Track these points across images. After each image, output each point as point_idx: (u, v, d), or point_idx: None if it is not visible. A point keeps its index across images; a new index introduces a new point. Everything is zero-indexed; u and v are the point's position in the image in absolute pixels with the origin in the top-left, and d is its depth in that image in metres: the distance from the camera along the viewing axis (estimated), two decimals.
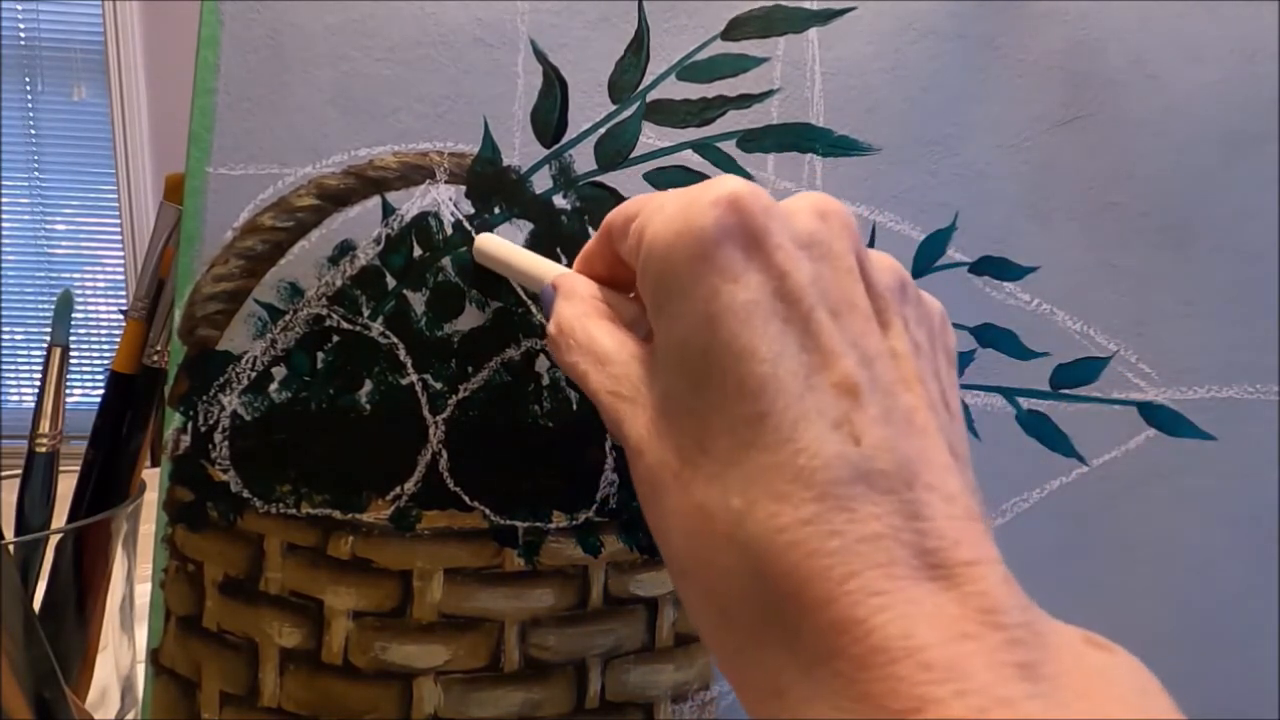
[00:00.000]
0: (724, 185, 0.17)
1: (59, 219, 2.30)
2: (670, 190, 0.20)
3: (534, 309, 0.27)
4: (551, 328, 0.21)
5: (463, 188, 0.27)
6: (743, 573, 0.15)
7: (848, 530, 0.14)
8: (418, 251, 0.27)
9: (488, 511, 0.27)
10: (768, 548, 0.15)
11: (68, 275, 2.32)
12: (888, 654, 0.13)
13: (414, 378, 0.27)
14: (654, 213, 0.18)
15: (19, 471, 0.32)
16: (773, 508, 0.15)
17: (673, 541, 0.17)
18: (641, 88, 0.28)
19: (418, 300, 0.27)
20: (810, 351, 0.16)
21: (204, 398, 0.27)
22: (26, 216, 2.28)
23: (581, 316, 0.20)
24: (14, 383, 2.36)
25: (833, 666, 0.14)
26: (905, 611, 0.14)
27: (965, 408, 0.29)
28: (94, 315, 2.34)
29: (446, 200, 0.27)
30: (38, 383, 0.32)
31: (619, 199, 0.28)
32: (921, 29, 0.29)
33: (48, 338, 0.32)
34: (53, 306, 0.32)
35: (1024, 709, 0.13)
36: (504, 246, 0.26)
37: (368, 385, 0.27)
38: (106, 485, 0.31)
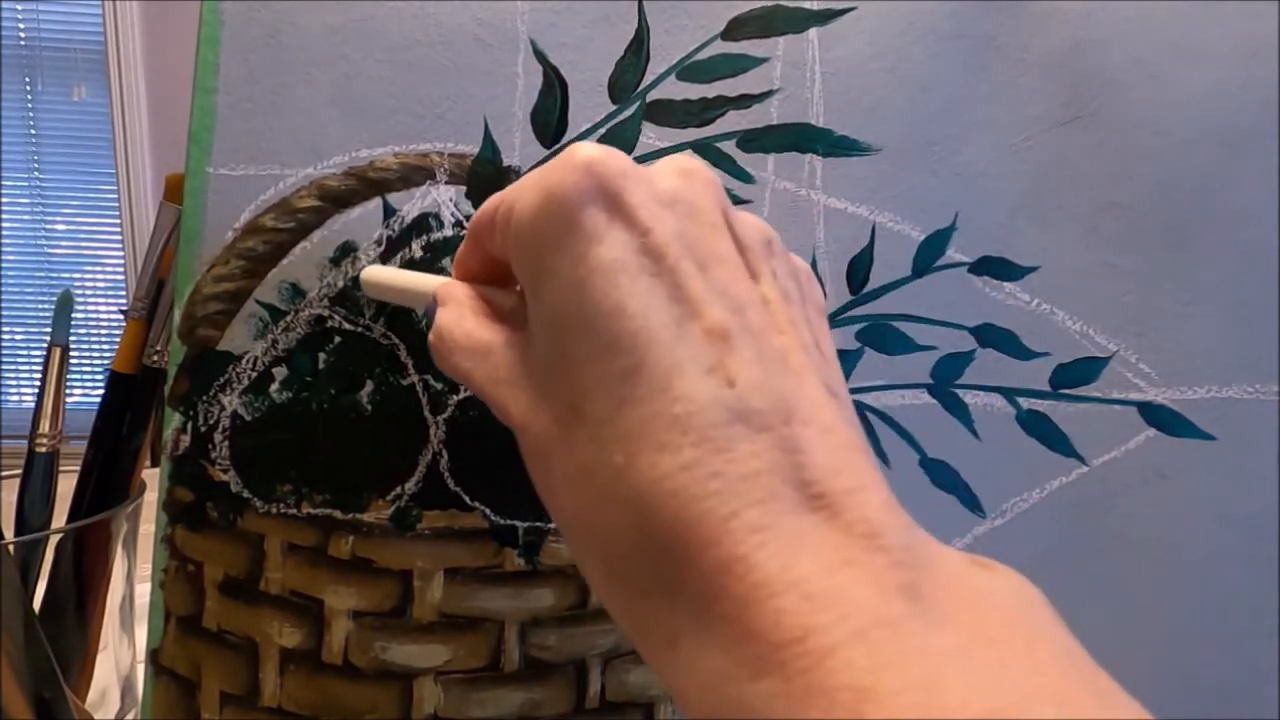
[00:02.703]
0: (579, 151, 0.17)
1: (59, 219, 2.30)
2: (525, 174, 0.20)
3: None
4: (431, 336, 0.21)
5: (463, 188, 0.27)
6: (628, 526, 0.15)
7: (727, 470, 0.14)
8: (419, 253, 0.27)
9: (488, 511, 0.27)
10: (650, 498, 0.15)
11: (68, 275, 2.32)
12: (769, 588, 0.14)
13: (415, 378, 0.27)
14: (515, 195, 0.18)
15: (19, 471, 0.32)
16: (652, 458, 0.15)
17: (562, 506, 0.17)
18: (641, 88, 0.28)
19: None
20: (679, 302, 0.16)
21: (204, 398, 0.27)
22: (26, 216, 2.28)
23: (458, 319, 0.20)
24: (14, 383, 2.36)
25: (719, 609, 0.14)
26: (786, 545, 0.14)
27: (965, 407, 0.29)
28: (94, 315, 2.33)
29: (447, 201, 0.27)
30: (38, 383, 0.32)
31: None
32: (922, 29, 0.29)
33: (48, 338, 0.32)
34: (53, 306, 0.32)
35: (906, 627, 0.13)
36: (389, 273, 0.25)
37: (369, 386, 0.27)
38: (106, 485, 0.31)
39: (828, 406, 0.16)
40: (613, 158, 0.17)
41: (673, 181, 0.18)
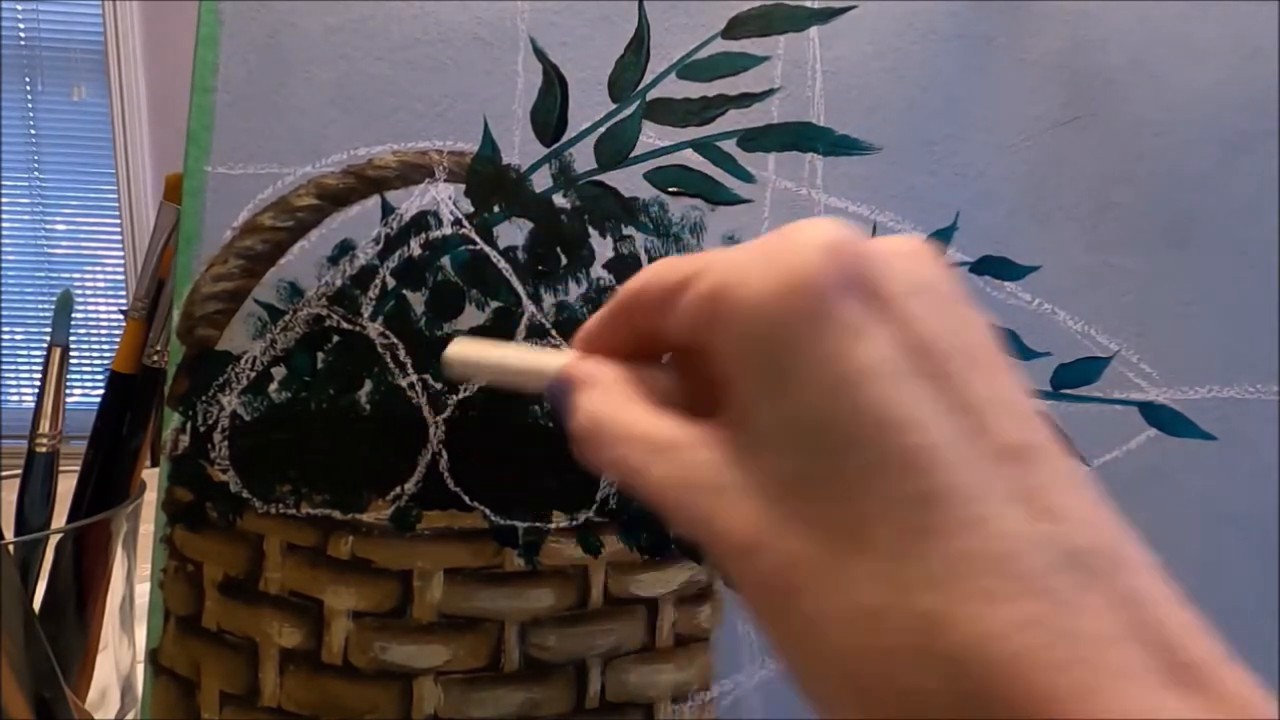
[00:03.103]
0: (819, 230, 0.15)
1: (59, 219, 2.30)
2: (739, 247, 0.17)
3: (533, 309, 0.27)
4: (581, 423, 0.18)
5: (462, 186, 0.27)
6: (942, 688, 0.12)
7: (1079, 630, 0.12)
8: (417, 251, 0.27)
9: (488, 511, 0.27)
10: (981, 660, 0.12)
11: (68, 275, 2.32)
12: None
13: (414, 378, 0.27)
14: (729, 271, 0.16)
15: (19, 471, 0.32)
16: (978, 608, 0.12)
17: (824, 656, 0.14)
18: (641, 86, 0.28)
19: (417, 300, 0.27)
20: (960, 412, 0.14)
21: (203, 398, 0.27)
22: (26, 216, 2.28)
23: (615, 404, 0.17)
24: (14, 383, 2.36)
25: None
26: None
27: None
28: (94, 315, 2.33)
29: (446, 199, 0.27)
30: (38, 383, 0.32)
31: (619, 198, 0.28)
32: (922, 28, 0.29)
33: (48, 338, 0.32)
34: (53, 306, 0.32)
35: None
36: (484, 347, 0.22)
37: (368, 385, 0.27)
38: (106, 485, 0.31)
39: (1134, 541, 0.14)
40: (859, 238, 0.15)
41: (914, 265, 0.15)
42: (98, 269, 2.33)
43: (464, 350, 0.22)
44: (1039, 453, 0.14)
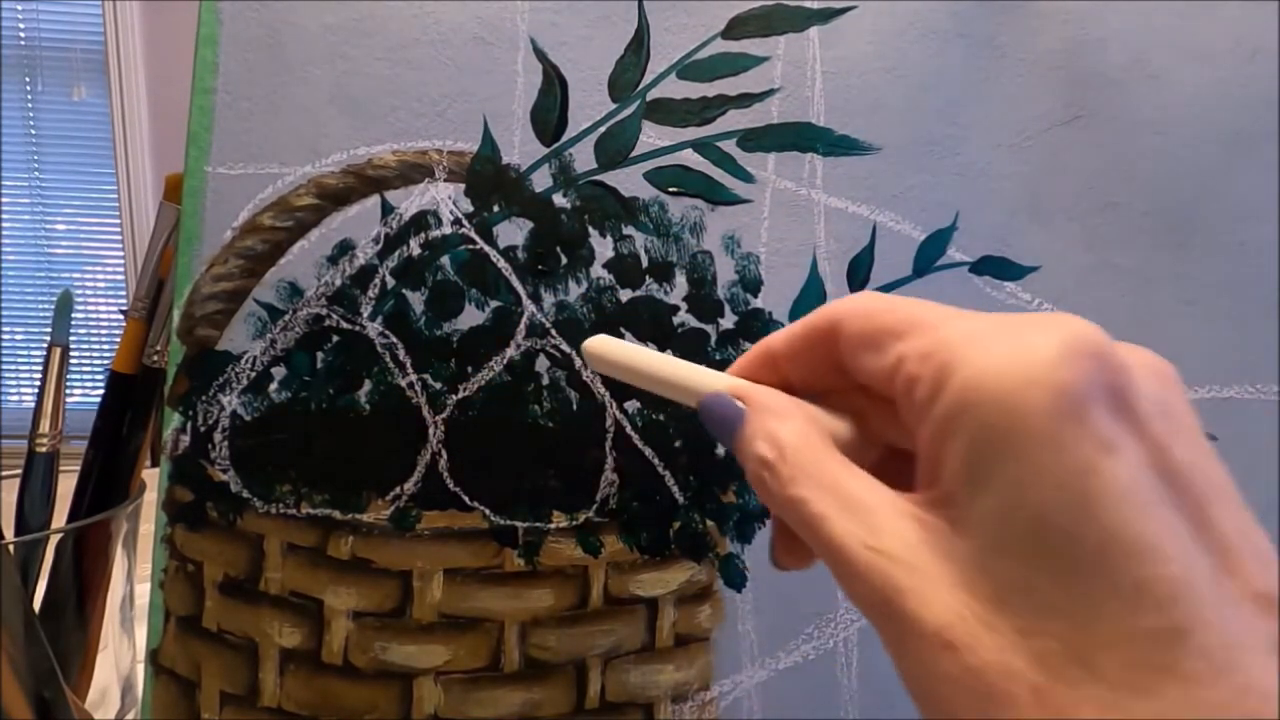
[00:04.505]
0: (1071, 327, 0.14)
1: (59, 219, 2.30)
2: (942, 307, 0.16)
3: (533, 308, 0.27)
4: (766, 451, 0.17)
5: (462, 186, 0.27)
6: None
7: None
8: (417, 251, 0.27)
9: (488, 511, 0.27)
10: None
11: (68, 275, 2.32)
12: None
13: (414, 377, 0.27)
14: (961, 346, 0.15)
15: (19, 471, 0.32)
16: None
17: None
18: (641, 86, 0.28)
19: (417, 300, 0.27)
20: (1212, 551, 0.13)
21: (204, 398, 0.27)
22: (26, 216, 2.28)
23: (810, 444, 0.17)
24: (14, 383, 2.36)
25: None
26: None
27: None
28: (94, 315, 2.33)
29: (446, 199, 0.27)
30: (38, 383, 0.32)
31: (619, 197, 0.28)
32: (922, 28, 0.29)
33: (48, 338, 0.32)
34: (53, 306, 0.32)
35: None
36: (630, 349, 0.21)
37: (367, 385, 0.27)
38: (106, 485, 0.31)
39: None
40: (1113, 346, 0.14)
41: (1157, 385, 0.15)
42: (98, 269, 2.33)
43: (605, 347, 0.22)
44: None
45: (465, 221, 0.27)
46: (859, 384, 0.18)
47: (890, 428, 0.18)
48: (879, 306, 0.17)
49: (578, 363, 0.27)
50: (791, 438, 0.17)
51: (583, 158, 0.28)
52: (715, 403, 0.19)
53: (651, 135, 0.28)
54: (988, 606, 0.14)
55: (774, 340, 0.19)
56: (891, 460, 0.19)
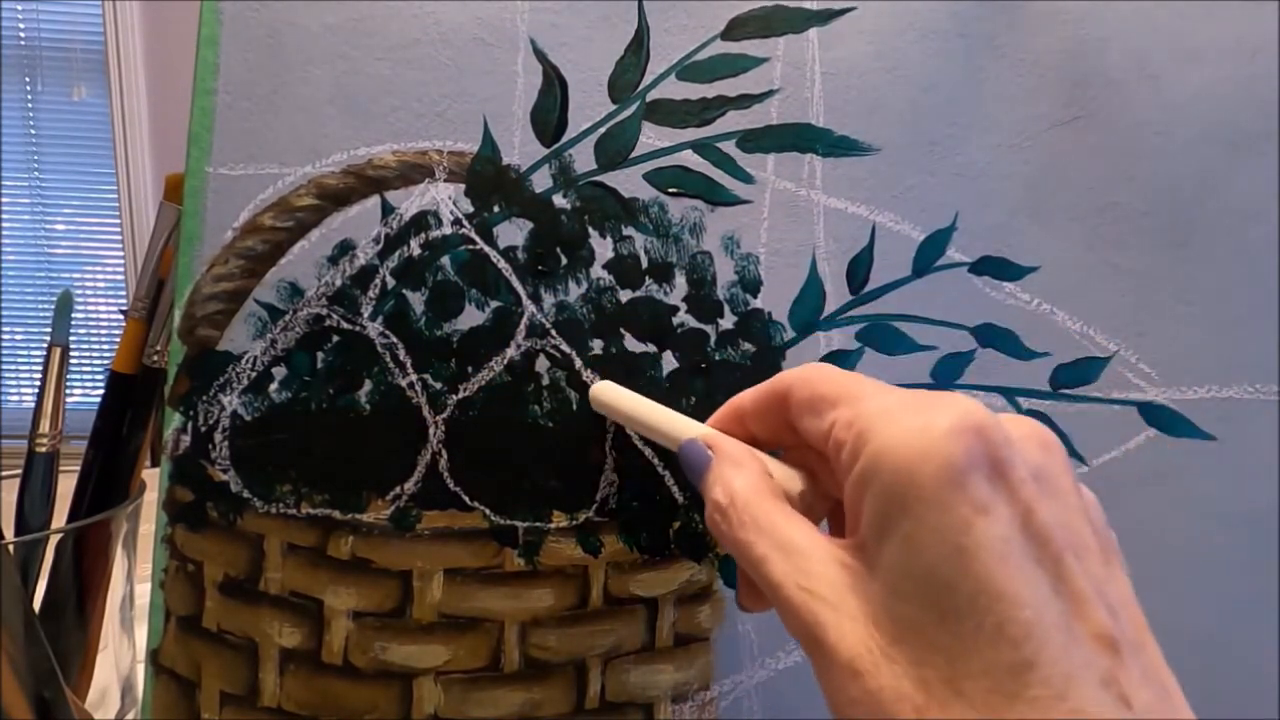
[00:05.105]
0: (962, 407, 0.16)
1: (59, 219, 2.30)
2: (872, 382, 0.19)
3: (533, 309, 0.27)
4: (720, 497, 0.20)
5: (462, 186, 0.27)
6: None
7: None
8: (417, 251, 0.27)
9: (488, 511, 0.27)
10: None
11: (68, 275, 2.32)
12: None
13: (414, 377, 0.27)
14: (876, 418, 0.17)
15: (19, 471, 0.32)
16: None
17: None
18: (641, 87, 0.28)
19: (417, 300, 0.27)
20: (1065, 598, 0.15)
21: (204, 398, 0.27)
22: (26, 216, 2.28)
23: (758, 493, 0.19)
24: (14, 383, 2.36)
25: None
26: None
27: None
28: (94, 315, 2.33)
29: (446, 199, 0.27)
30: (38, 383, 0.32)
31: (619, 199, 0.28)
32: (922, 29, 0.29)
33: (48, 338, 0.32)
34: (53, 306, 0.32)
35: None
36: (626, 397, 0.25)
37: (368, 385, 0.27)
38: (106, 485, 0.31)
39: None
40: (996, 422, 0.16)
41: (1039, 455, 0.17)
42: (98, 269, 2.33)
43: (606, 393, 0.26)
44: (1129, 644, 0.15)
45: (465, 222, 0.27)
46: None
47: (834, 482, 0.20)
48: (822, 377, 0.20)
49: (578, 363, 0.27)
50: (743, 487, 0.20)
51: (583, 158, 0.28)
52: (690, 448, 0.22)
53: (651, 136, 0.28)
54: (889, 640, 0.16)
55: (743, 398, 0.22)
56: (840, 510, 0.22)
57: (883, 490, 0.17)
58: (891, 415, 0.17)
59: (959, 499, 0.16)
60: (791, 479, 0.21)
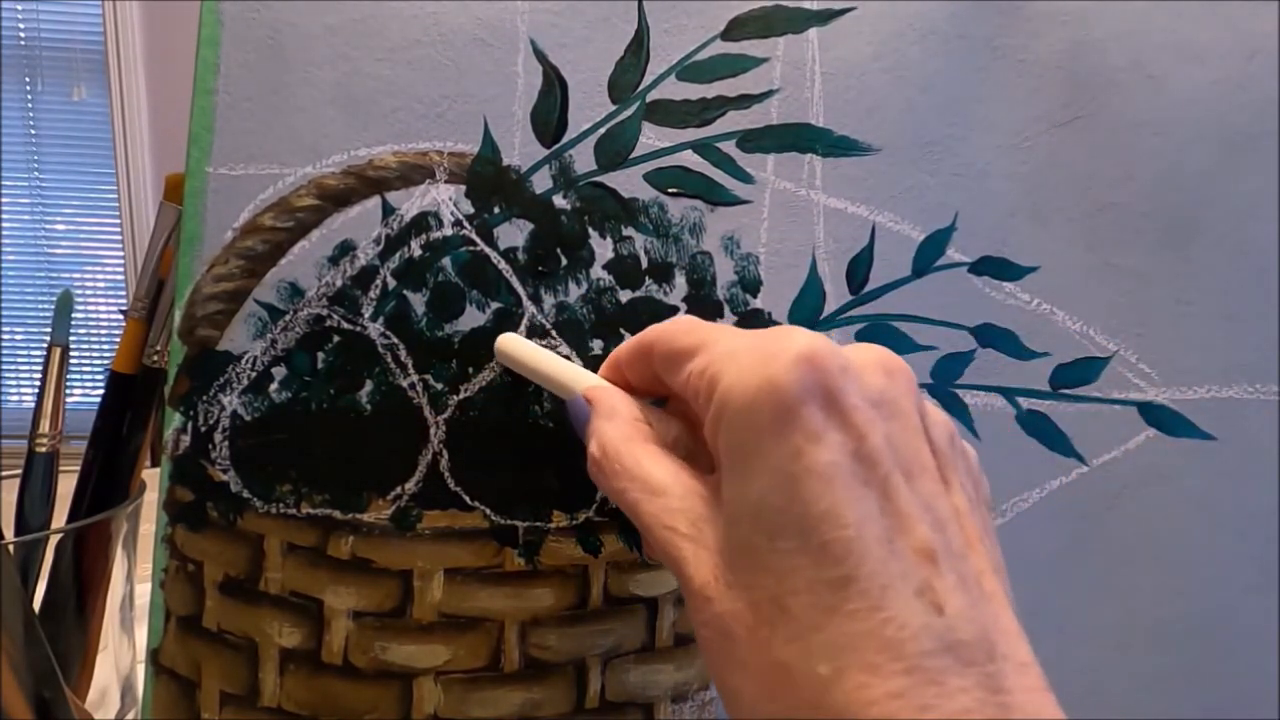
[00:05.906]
0: (798, 340, 0.17)
1: (59, 219, 2.30)
2: (728, 329, 0.20)
3: (534, 309, 0.27)
4: (594, 449, 0.21)
5: (463, 187, 0.27)
6: None
7: (937, 705, 0.14)
8: (418, 252, 0.27)
9: (488, 511, 0.27)
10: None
11: (68, 275, 2.32)
12: None
13: (415, 378, 0.27)
14: (724, 361, 0.18)
15: (19, 471, 0.32)
16: (861, 678, 0.15)
17: (744, 694, 0.17)
18: (641, 88, 0.28)
19: (418, 300, 0.27)
20: (889, 515, 0.16)
21: (204, 398, 0.27)
22: (26, 216, 2.28)
23: (627, 440, 0.20)
24: (14, 383, 2.36)
25: None
26: None
27: (965, 407, 0.29)
28: (94, 315, 2.34)
29: (446, 200, 0.27)
30: (38, 383, 0.32)
31: (619, 199, 0.28)
32: (921, 29, 0.29)
33: (48, 338, 0.32)
34: (53, 306, 0.32)
35: None
36: (527, 348, 0.26)
37: (368, 385, 0.27)
38: (106, 485, 0.31)
39: (1022, 641, 0.16)
40: (832, 353, 0.17)
41: (879, 380, 0.18)
42: (98, 269, 2.33)
43: (511, 345, 0.26)
44: (951, 555, 0.16)
45: (466, 223, 0.27)
46: None
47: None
48: (679, 329, 0.21)
49: (578, 363, 0.27)
50: (613, 436, 0.21)
51: (583, 159, 0.28)
52: (573, 406, 0.23)
53: (651, 136, 0.28)
54: (729, 567, 0.17)
55: (619, 352, 0.23)
56: None
57: (728, 427, 0.18)
58: (736, 356, 0.18)
59: (792, 429, 0.16)
60: (668, 426, 0.21)
